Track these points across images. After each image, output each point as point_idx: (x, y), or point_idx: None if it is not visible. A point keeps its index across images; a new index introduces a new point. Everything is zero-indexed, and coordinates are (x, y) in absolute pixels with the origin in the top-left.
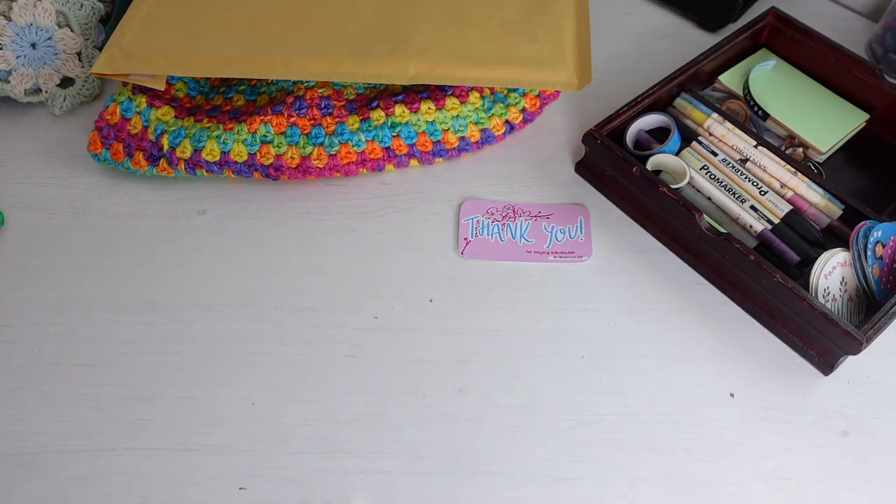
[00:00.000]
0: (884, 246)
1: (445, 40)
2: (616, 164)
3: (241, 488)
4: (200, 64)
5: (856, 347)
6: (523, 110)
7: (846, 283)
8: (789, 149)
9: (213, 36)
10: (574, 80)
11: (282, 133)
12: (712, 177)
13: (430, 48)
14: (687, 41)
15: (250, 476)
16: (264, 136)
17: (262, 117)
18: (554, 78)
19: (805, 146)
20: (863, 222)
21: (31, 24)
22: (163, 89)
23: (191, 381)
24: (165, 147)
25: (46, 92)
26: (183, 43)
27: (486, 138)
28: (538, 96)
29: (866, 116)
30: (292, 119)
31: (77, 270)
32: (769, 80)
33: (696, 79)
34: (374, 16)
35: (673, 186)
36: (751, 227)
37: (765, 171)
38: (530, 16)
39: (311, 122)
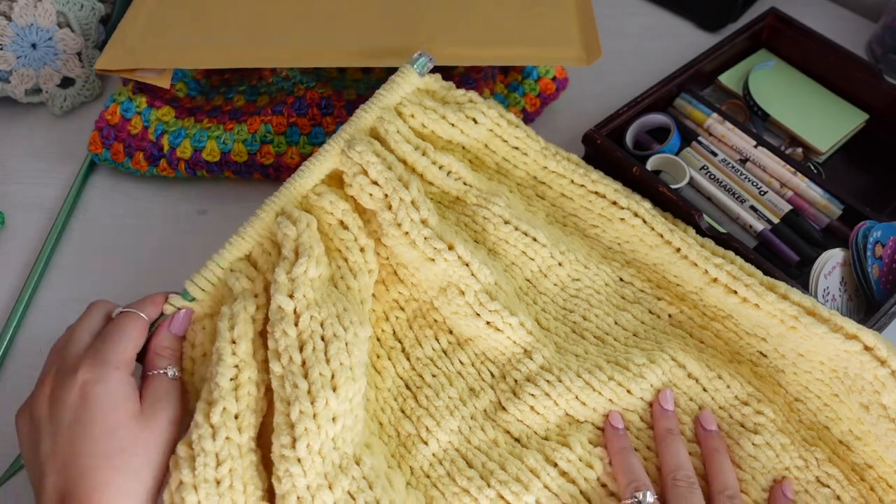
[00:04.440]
0: (883, 246)
1: (454, 22)
2: (616, 164)
3: None
4: (207, 56)
5: None
6: (524, 110)
7: (846, 282)
8: (789, 149)
9: (218, 31)
10: (582, 55)
11: (282, 133)
12: (712, 177)
13: (440, 31)
14: (687, 41)
15: None
16: (264, 136)
17: (262, 117)
18: (562, 54)
19: (805, 146)
20: (862, 222)
21: (32, 25)
22: (167, 87)
23: None
24: (166, 147)
25: (47, 92)
26: (188, 38)
27: None
28: (538, 96)
29: (866, 117)
30: (292, 119)
31: (77, 271)
32: (769, 80)
33: (696, 79)
34: (381, 1)
35: (673, 186)
36: (751, 226)
37: (764, 170)
38: None
39: (311, 122)
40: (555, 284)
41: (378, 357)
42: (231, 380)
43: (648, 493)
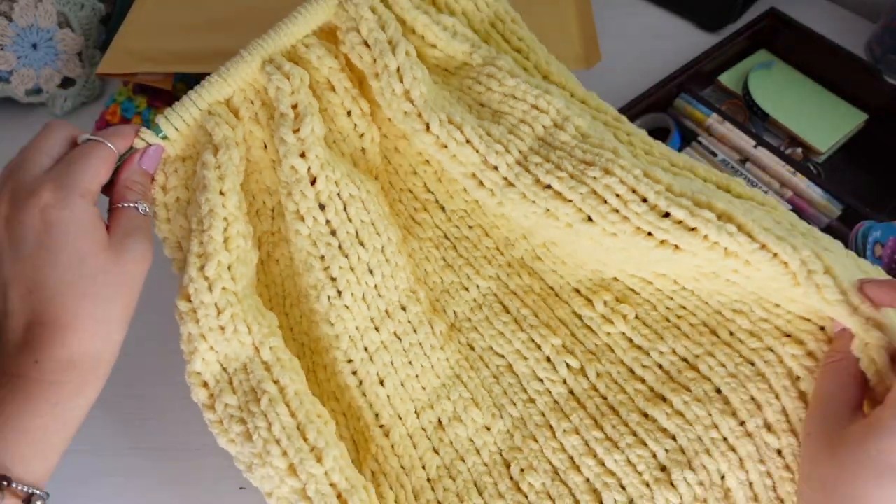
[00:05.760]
0: (882, 246)
1: None
2: None
3: (241, 488)
4: (209, 60)
5: None
6: None
7: None
8: (788, 149)
9: (219, 32)
10: (581, 58)
11: None
12: None
13: None
14: (687, 41)
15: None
16: None
17: None
18: (561, 57)
19: (804, 146)
20: (861, 222)
21: (33, 25)
22: (169, 89)
23: None
24: None
25: (47, 92)
26: (189, 40)
27: None
28: None
29: (865, 117)
30: None
31: None
32: (768, 80)
33: (695, 79)
34: None
35: None
36: None
37: (764, 170)
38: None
39: None
40: (573, 136)
41: (416, 210)
42: (222, 231)
43: None
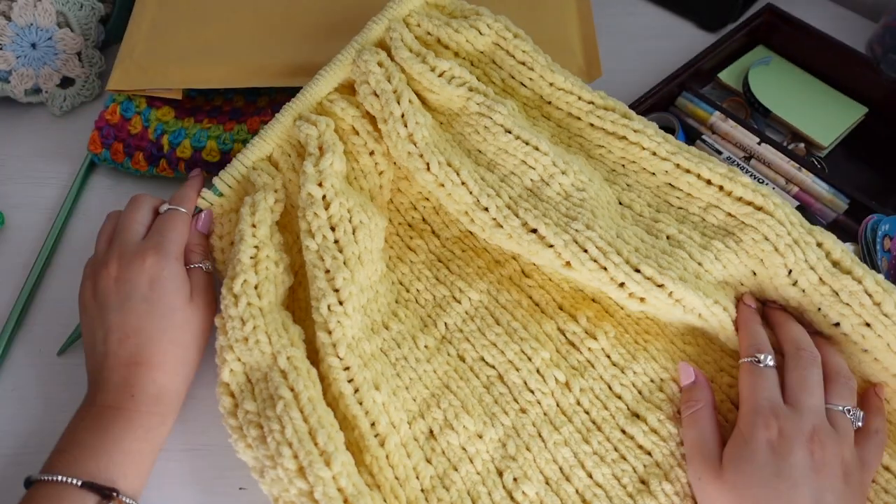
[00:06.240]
0: (892, 239)
1: None
2: None
3: (241, 488)
4: (221, 76)
5: None
6: None
7: None
8: (791, 144)
9: (225, 41)
10: (584, 72)
11: None
12: None
13: None
14: (687, 41)
15: (251, 476)
16: None
17: (262, 117)
18: (563, 65)
19: (806, 141)
20: (870, 216)
21: (32, 25)
22: (179, 98)
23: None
24: (166, 147)
25: (46, 92)
26: (196, 51)
27: None
28: None
29: (865, 110)
30: None
31: (77, 271)
32: (768, 76)
33: (696, 77)
34: None
35: None
36: None
37: (769, 167)
38: (534, 10)
39: None
40: (557, 193)
41: (411, 238)
42: (251, 257)
43: (769, 356)
